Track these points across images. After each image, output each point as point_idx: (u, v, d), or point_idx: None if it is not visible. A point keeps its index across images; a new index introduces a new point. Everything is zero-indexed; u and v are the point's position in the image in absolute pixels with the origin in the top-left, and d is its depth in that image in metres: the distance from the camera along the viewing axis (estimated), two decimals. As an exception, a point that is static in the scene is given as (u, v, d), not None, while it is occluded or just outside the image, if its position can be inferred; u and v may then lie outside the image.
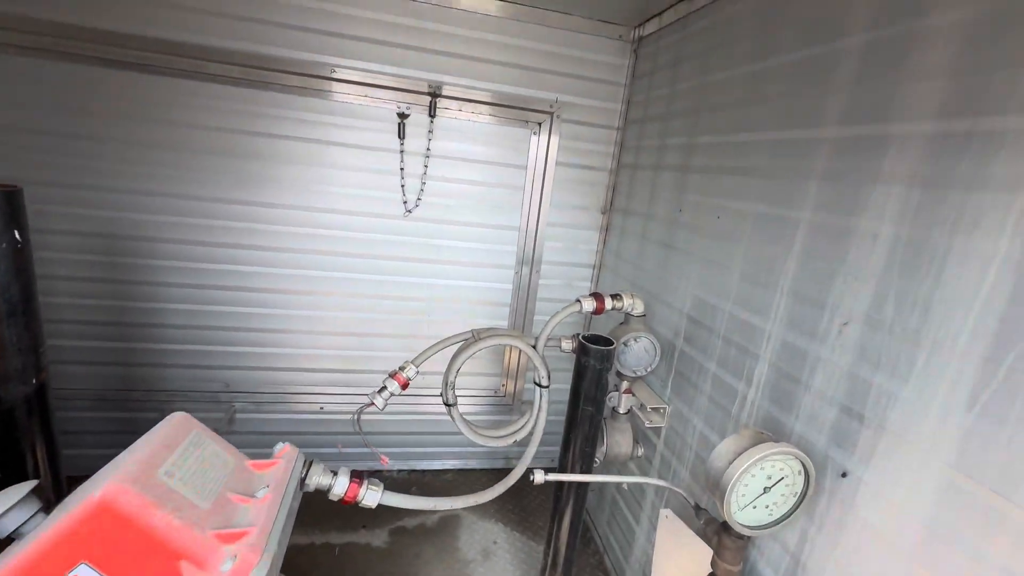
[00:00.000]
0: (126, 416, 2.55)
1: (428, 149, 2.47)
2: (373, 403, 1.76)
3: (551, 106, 2.52)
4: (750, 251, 1.54)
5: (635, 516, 2.19)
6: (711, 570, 1.35)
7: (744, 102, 1.63)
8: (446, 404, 1.92)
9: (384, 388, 1.78)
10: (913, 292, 1.02)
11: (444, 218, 2.59)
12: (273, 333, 2.59)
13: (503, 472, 1.84)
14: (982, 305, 0.90)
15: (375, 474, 2.83)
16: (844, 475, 1.16)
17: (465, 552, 2.45)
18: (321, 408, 2.76)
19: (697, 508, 1.43)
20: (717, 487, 1.16)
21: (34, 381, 1.43)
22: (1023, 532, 0.81)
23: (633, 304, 1.88)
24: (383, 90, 2.35)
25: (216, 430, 2.67)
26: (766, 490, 1.16)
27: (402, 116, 2.40)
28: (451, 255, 2.66)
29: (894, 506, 1.04)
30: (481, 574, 2.35)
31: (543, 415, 1.97)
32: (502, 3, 2.34)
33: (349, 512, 2.43)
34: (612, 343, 1.75)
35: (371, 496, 1.31)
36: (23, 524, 0.77)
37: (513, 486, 1.72)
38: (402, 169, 2.47)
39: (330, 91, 2.32)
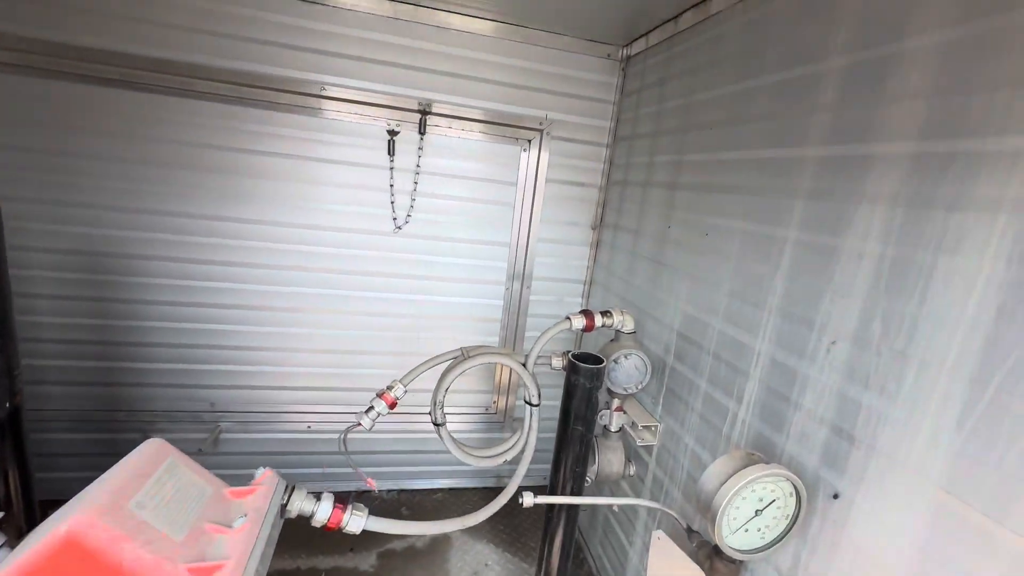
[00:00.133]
0: (107, 437, 2.49)
1: (418, 166, 2.47)
2: (360, 424, 1.73)
3: (541, 123, 2.53)
4: (738, 268, 1.54)
5: (628, 537, 2.16)
6: (704, 594, 1.33)
7: (730, 121, 1.64)
8: (435, 424, 1.89)
9: (371, 408, 1.75)
10: (899, 311, 1.02)
11: (434, 234, 2.59)
12: (260, 351, 2.55)
13: (495, 491, 1.81)
14: (968, 325, 0.90)
15: (363, 495, 2.78)
16: (836, 496, 1.14)
17: (456, 575, 2.40)
18: (309, 427, 2.71)
19: (689, 530, 1.40)
20: (708, 510, 1.14)
21: (7, 405, 1.38)
22: (1016, 558, 0.80)
23: (623, 321, 1.87)
24: (373, 107, 2.36)
25: (200, 451, 2.63)
26: (757, 513, 1.14)
27: (392, 133, 2.40)
28: (441, 271, 2.65)
29: (886, 529, 1.02)
30: (471, 598, 2.29)
31: (533, 434, 1.94)
32: (492, 23, 2.36)
33: (336, 534, 2.37)
34: (602, 361, 1.74)
35: (355, 522, 1.28)
36: (-15, 560, 0.74)
37: (505, 505, 1.69)
38: (392, 186, 2.47)
39: (320, 108, 2.32)
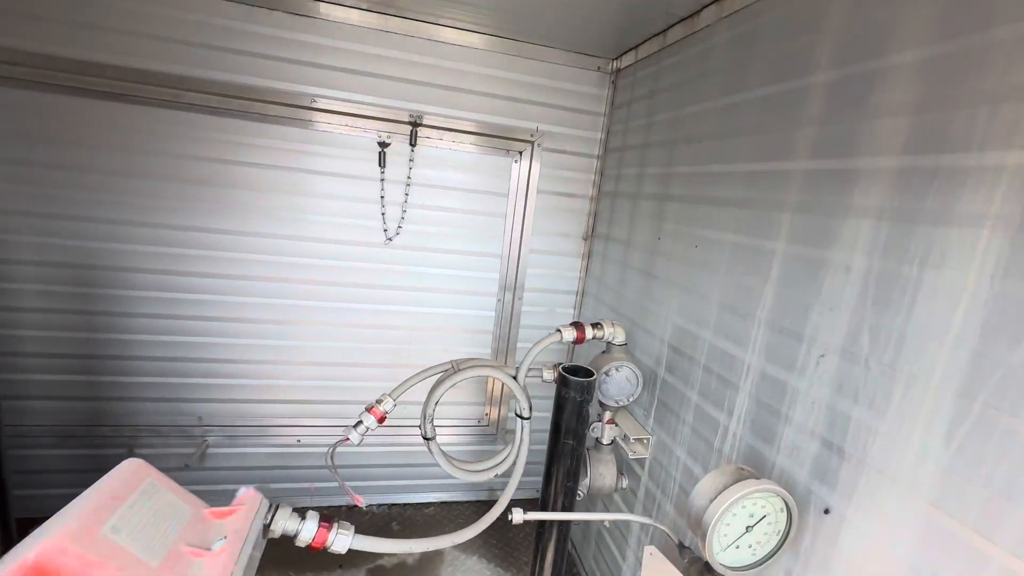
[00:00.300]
0: (91, 453, 2.45)
1: (409, 177, 2.47)
2: (348, 439, 1.70)
3: (532, 135, 2.54)
4: (728, 281, 1.54)
5: (621, 551, 2.13)
6: (696, 612, 1.31)
7: (718, 134, 1.65)
8: (425, 438, 1.87)
9: (360, 422, 1.73)
10: (887, 325, 1.02)
11: (425, 245, 2.58)
12: (249, 364, 2.52)
13: (488, 504, 1.79)
14: (954, 339, 0.90)
15: (353, 510, 2.74)
16: (827, 511, 1.13)
17: (446, 592, 2.36)
18: (298, 441, 2.67)
19: (681, 546, 1.38)
20: (698, 527, 1.13)
21: (-15, 422, 1.36)
22: (1007, 575, 0.79)
23: (614, 333, 1.87)
24: (364, 119, 2.36)
25: (187, 466, 2.58)
26: (748, 529, 1.13)
27: (383, 145, 2.40)
28: (433, 282, 2.64)
29: (878, 545, 1.01)
30: (463, 615, 2.25)
31: (525, 447, 1.92)
32: (483, 36, 2.38)
33: (324, 552, 2.33)
34: (592, 374, 1.73)
35: (341, 541, 1.25)
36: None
37: (497, 520, 1.66)
38: (382, 197, 2.46)
39: (310, 120, 2.32)
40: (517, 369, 1.87)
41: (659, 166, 2.03)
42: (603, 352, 1.92)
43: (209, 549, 0.91)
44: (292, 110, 2.28)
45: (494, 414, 2.91)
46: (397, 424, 2.68)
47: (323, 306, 2.53)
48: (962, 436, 0.87)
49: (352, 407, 2.58)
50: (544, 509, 1.88)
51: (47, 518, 0.81)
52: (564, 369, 1.75)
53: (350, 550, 1.27)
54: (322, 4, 2.20)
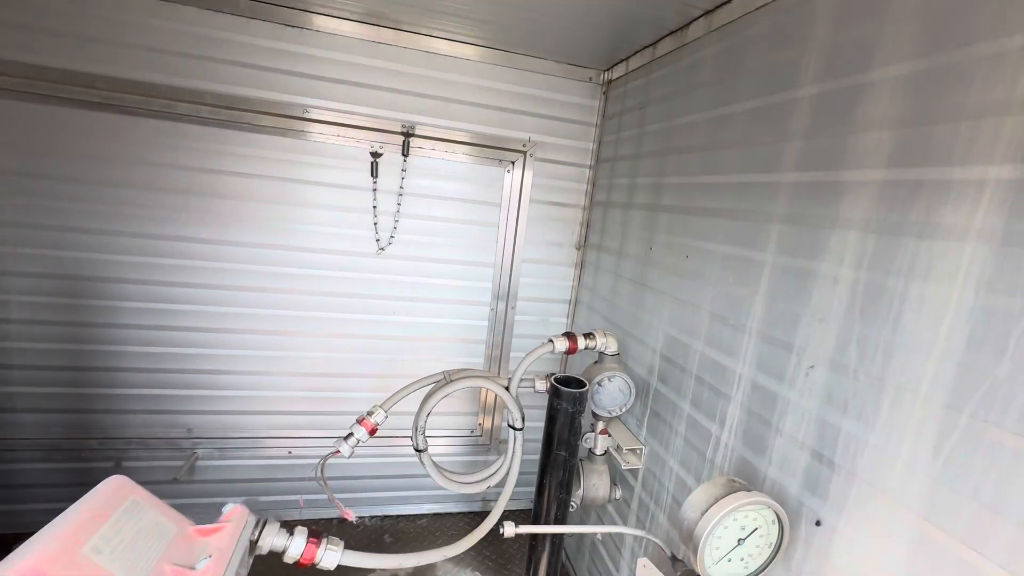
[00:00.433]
0: (78, 467, 2.41)
1: (401, 187, 2.47)
2: (338, 451, 1.69)
3: (524, 145, 2.55)
4: (719, 291, 1.55)
5: (615, 562, 2.12)
6: (689, 626, 1.30)
7: (708, 146, 1.67)
8: (416, 450, 1.85)
9: (350, 435, 1.72)
10: (874, 336, 1.03)
11: (418, 255, 2.57)
12: (240, 375, 2.50)
13: (481, 515, 1.77)
14: (940, 352, 0.90)
15: (344, 524, 2.71)
16: (818, 523, 1.13)
17: (439, 605, 2.33)
18: (289, 452, 2.64)
19: (673, 559, 1.38)
20: (690, 540, 1.12)
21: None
22: (995, 589, 0.79)
23: (606, 343, 1.87)
24: (356, 130, 2.36)
25: (176, 479, 2.55)
26: (740, 542, 1.12)
27: (375, 155, 2.40)
28: (425, 292, 2.63)
29: (869, 557, 1.01)
30: (456, 629, 2.22)
31: (517, 459, 1.91)
32: (476, 47, 2.39)
33: (314, 568, 2.30)
34: (584, 385, 1.72)
35: (330, 557, 1.23)
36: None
37: (490, 531, 1.65)
38: (375, 207, 2.46)
39: (302, 131, 2.32)
40: (509, 380, 1.87)
41: (650, 176, 2.05)
42: (595, 362, 1.92)
43: (194, 568, 0.90)
44: (284, 120, 2.28)
45: (488, 423, 2.90)
46: (389, 435, 2.67)
47: (315, 316, 2.52)
48: (950, 448, 0.87)
49: (345, 418, 2.55)
50: (537, 521, 1.87)
51: (32, 533, 0.79)
52: (556, 380, 1.74)
53: (339, 566, 1.26)
54: (315, 16, 2.21)
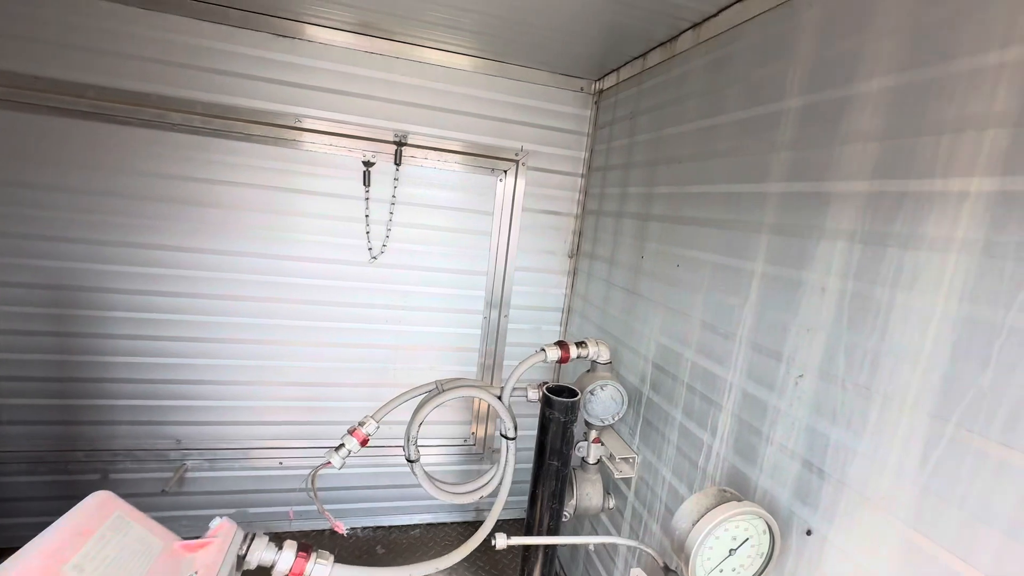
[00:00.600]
0: (65, 480, 2.37)
1: (394, 196, 2.47)
2: (330, 462, 1.67)
3: (516, 154, 2.57)
4: (709, 300, 1.56)
5: (608, 572, 2.11)
6: (682, 637, 1.29)
7: (697, 156, 1.68)
8: (408, 460, 1.84)
9: (342, 445, 1.71)
10: (862, 346, 1.04)
11: (410, 264, 2.57)
12: (230, 385, 2.47)
13: (474, 525, 1.76)
14: (926, 361, 0.91)
15: (336, 535, 2.68)
16: (809, 533, 1.13)
17: (432, 618, 2.30)
18: (280, 463, 2.62)
19: (666, 569, 1.37)
20: (682, 550, 1.12)
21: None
22: (983, 598, 0.80)
23: (599, 351, 1.87)
24: (349, 139, 2.36)
25: (164, 491, 2.51)
26: (732, 552, 1.12)
27: (368, 164, 2.41)
28: (418, 301, 2.62)
29: (859, 566, 1.01)
30: (448, 642, 2.20)
31: (510, 468, 1.91)
32: (468, 58, 2.41)
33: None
34: (577, 394, 1.72)
35: (319, 571, 1.22)
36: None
37: (483, 541, 1.63)
38: (367, 216, 2.45)
39: (294, 140, 2.31)
40: (502, 389, 1.86)
41: (641, 186, 2.06)
42: (588, 371, 1.92)
43: (179, 585, 0.88)
44: (276, 130, 2.28)
45: (481, 432, 2.89)
46: (382, 445, 2.65)
47: (306, 325, 2.50)
48: (936, 457, 0.88)
49: (337, 428, 2.53)
50: (530, 531, 1.86)
51: (16, 548, 0.78)
52: (548, 389, 1.74)
53: (329, 580, 1.24)
54: (307, 26, 2.21)
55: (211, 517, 1.12)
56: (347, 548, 2.63)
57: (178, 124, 2.17)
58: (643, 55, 2.08)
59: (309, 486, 1.57)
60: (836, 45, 1.17)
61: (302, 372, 2.55)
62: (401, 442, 1.91)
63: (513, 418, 1.86)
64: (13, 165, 2.07)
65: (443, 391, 1.83)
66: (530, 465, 1.90)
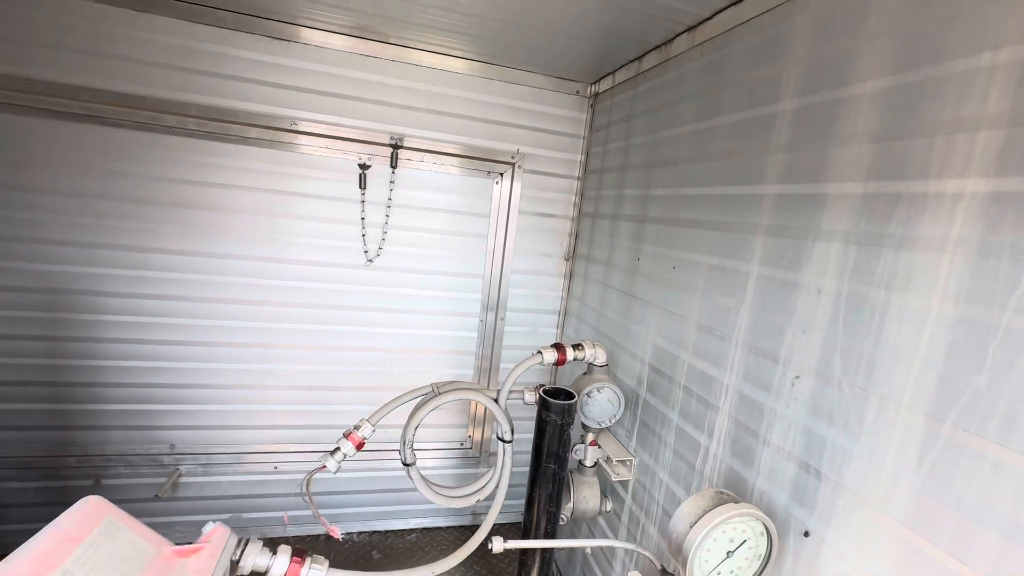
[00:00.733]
0: (57, 486, 2.35)
1: (390, 199, 2.47)
2: (325, 466, 1.66)
3: (513, 157, 2.57)
4: (705, 302, 1.56)
5: (606, 574, 2.10)
6: (680, 641, 1.28)
7: (693, 158, 1.69)
8: (404, 464, 1.83)
9: (337, 449, 1.70)
10: (858, 347, 1.04)
11: (406, 267, 2.56)
12: (224, 389, 2.46)
13: (471, 529, 1.75)
14: (922, 362, 0.91)
15: (332, 540, 2.66)
16: (806, 534, 1.13)
17: (428, 623, 2.28)
18: (275, 468, 2.60)
19: (664, 572, 1.37)
20: (679, 552, 1.11)
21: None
22: (980, 599, 0.80)
23: (595, 354, 1.87)
24: (344, 142, 2.36)
25: (157, 497, 2.49)
26: (729, 554, 1.12)
27: (363, 167, 2.40)
28: (414, 304, 2.62)
29: (857, 568, 1.01)
30: (445, 648, 2.18)
31: (507, 471, 1.90)
32: (464, 61, 2.41)
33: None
34: (573, 396, 1.72)
35: (314, 576, 1.21)
36: None
37: (482, 543, 1.62)
38: (363, 219, 2.45)
39: (290, 143, 2.31)
40: (498, 392, 1.86)
41: (637, 188, 2.06)
42: (584, 373, 1.92)
43: (170, 592, 0.87)
44: (272, 132, 2.27)
45: (477, 436, 2.88)
46: (378, 448, 2.64)
47: (301, 329, 2.49)
48: (933, 458, 0.88)
49: (332, 432, 2.52)
50: (526, 534, 1.85)
51: (5, 555, 0.77)
52: (545, 391, 1.74)
53: (324, 585, 1.23)
54: (303, 29, 2.21)
55: (206, 523, 1.11)
56: (343, 553, 2.61)
57: (172, 127, 2.16)
58: (639, 58, 2.09)
59: (304, 490, 1.55)
60: (830, 47, 1.17)
61: (297, 376, 2.53)
62: (397, 446, 1.90)
63: (510, 421, 1.86)
64: (4, 168, 2.05)
65: (439, 394, 1.82)
66: (527, 468, 1.89)
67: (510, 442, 1.88)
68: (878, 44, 1.05)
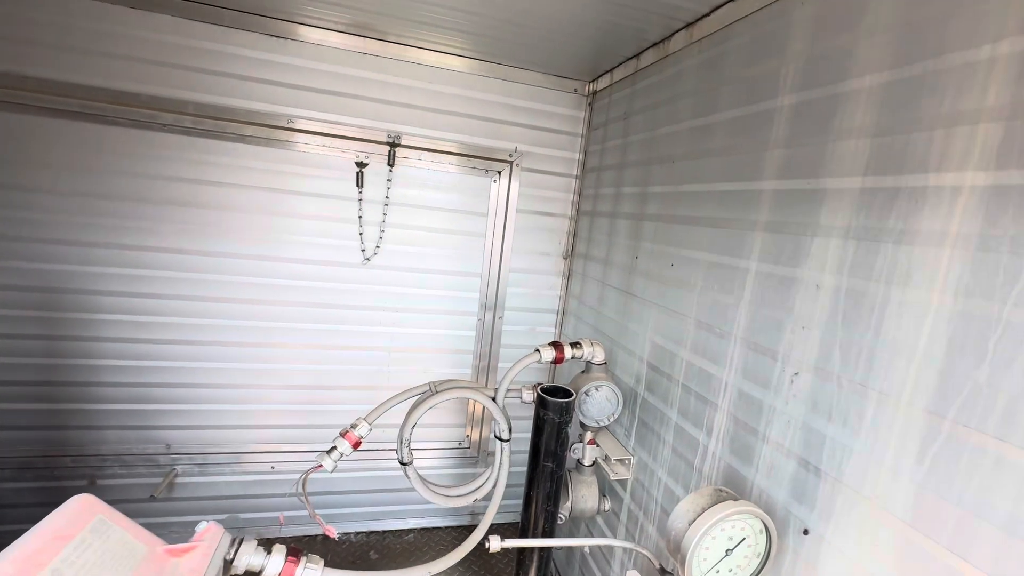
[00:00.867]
0: (52, 486, 2.33)
1: (387, 197, 2.46)
2: (321, 465, 1.65)
3: (510, 155, 2.56)
4: (704, 299, 1.55)
5: (604, 574, 2.09)
6: (679, 640, 1.27)
7: (691, 155, 1.68)
8: (401, 463, 1.82)
9: (334, 448, 1.68)
10: (857, 343, 1.03)
11: (404, 265, 2.55)
12: (221, 389, 2.44)
13: (469, 528, 1.74)
14: (921, 357, 0.90)
15: (329, 540, 2.64)
16: (806, 532, 1.12)
17: (426, 623, 2.27)
18: (272, 468, 2.58)
19: (663, 571, 1.36)
20: (678, 551, 1.10)
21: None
22: (982, 596, 0.79)
23: (593, 352, 1.86)
24: (342, 140, 2.35)
25: (153, 497, 2.48)
26: (728, 552, 1.11)
27: (361, 165, 2.39)
28: (412, 303, 2.61)
29: (857, 565, 1.00)
30: (443, 648, 2.17)
31: (504, 470, 1.89)
32: (462, 59, 2.40)
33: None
34: (571, 394, 1.71)
35: (309, 576, 1.20)
36: None
37: (479, 543, 1.61)
38: (360, 217, 2.44)
39: (287, 141, 2.30)
40: (496, 390, 1.85)
41: (635, 186, 2.06)
42: (583, 372, 1.91)
43: (162, 591, 0.86)
44: (269, 130, 2.26)
45: (475, 435, 2.86)
46: (375, 448, 2.63)
47: (299, 328, 2.48)
48: (933, 454, 0.87)
49: (330, 431, 2.49)
50: (524, 533, 1.84)
51: None
52: (543, 390, 1.73)
53: (319, 585, 1.22)
54: (300, 27, 2.20)
55: (201, 523, 1.10)
56: (339, 553, 2.59)
57: (169, 125, 2.15)
58: (636, 55, 2.09)
59: (300, 490, 1.54)
60: (828, 42, 1.17)
61: (294, 375, 2.52)
62: (393, 446, 1.89)
63: (508, 419, 1.85)
64: (1, 166, 2.04)
65: (436, 392, 1.81)
66: (525, 468, 1.88)
67: (508, 441, 1.87)
68: (876, 38, 1.05)
